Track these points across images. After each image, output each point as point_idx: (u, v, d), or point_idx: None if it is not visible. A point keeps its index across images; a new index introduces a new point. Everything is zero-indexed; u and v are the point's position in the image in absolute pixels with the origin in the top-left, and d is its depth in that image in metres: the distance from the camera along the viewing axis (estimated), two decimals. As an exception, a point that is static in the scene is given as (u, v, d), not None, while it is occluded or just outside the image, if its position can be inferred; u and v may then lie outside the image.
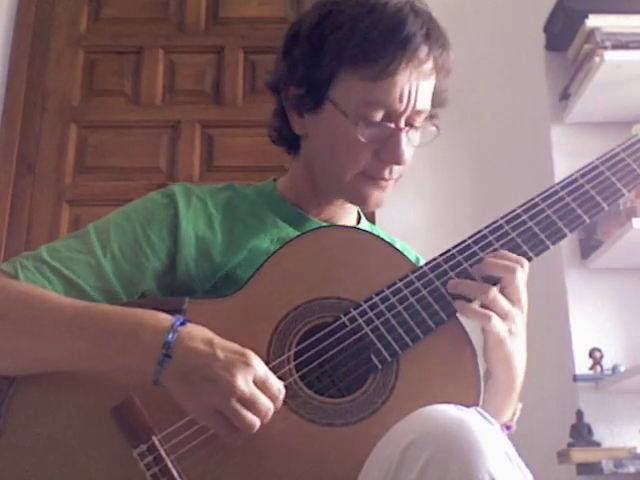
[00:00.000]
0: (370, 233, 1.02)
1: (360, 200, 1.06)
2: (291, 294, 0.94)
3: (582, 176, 1.02)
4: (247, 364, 0.83)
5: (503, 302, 0.92)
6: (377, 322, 0.93)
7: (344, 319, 0.93)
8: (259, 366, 0.84)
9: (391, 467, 0.74)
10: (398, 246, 1.08)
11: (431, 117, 1.06)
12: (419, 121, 1.02)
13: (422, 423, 0.76)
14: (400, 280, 0.95)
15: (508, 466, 0.71)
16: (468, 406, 0.80)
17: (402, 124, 1.00)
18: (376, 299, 0.94)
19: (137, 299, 0.99)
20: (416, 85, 0.99)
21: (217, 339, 0.86)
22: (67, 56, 2.61)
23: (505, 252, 0.95)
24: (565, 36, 2.22)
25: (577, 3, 2.16)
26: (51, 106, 2.54)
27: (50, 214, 2.42)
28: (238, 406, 0.81)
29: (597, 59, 2.02)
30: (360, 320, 0.93)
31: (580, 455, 1.88)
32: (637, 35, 2.06)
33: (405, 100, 0.98)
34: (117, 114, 2.56)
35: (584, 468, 1.87)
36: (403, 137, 0.99)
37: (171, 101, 2.59)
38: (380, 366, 0.91)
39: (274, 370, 0.89)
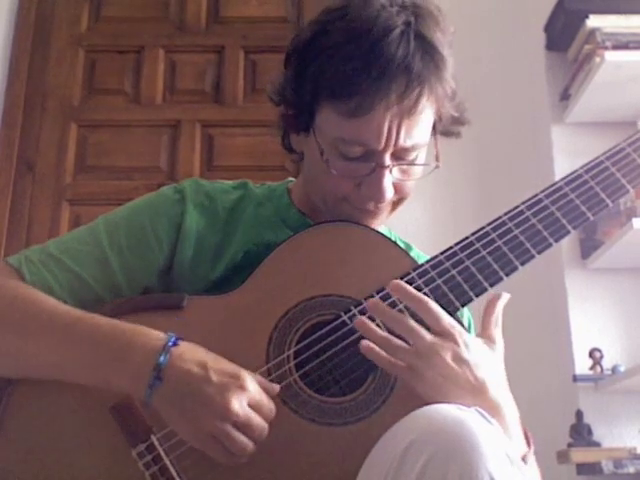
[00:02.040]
0: (371, 230, 1.00)
1: None
2: (291, 291, 0.94)
3: (587, 172, 1.01)
4: (242, 388, 0.82)
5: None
6: (377, 320, 0.92)
7: (344, 317, 0.93)
8: (253, 388, 0.83)
9: (391, 467, 0.73)
10: (413, 254, 1.07)
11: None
12: (413, 155, 0.95)
13: (422, 423, 0.76)
14: (401, 278, 0.94)
15: (508, 466, 0.71)
16: (468, 406, 0.80)
17: (386, 161, 0.92)
18: (377, 297, 0.93)
19: (138, 295, 0.98)
20: (398, 121, 0.90)
21: (211, 360, 0.84)
22: (67, 55, 2.61)
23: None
24: (565, 36, 2.22)
25: (577, 3, 2.16)
26: (51, 105, 2.54)
27: (50, 213, 2.42)
28: (233, 431, 0.81)
29: (597, 59, 2.02)
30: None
31: (580, 455, 1.88)
32: (637, 35, 2.06)
33: (384, 138, 0.90)
34: (117, 113, 2.56)
35: (584, 468, 1.87)
36: (385, 175, 0.92)
37: (171, 100, 2.59)
38: (380, 365, 0.91)
39: (274, 369, 0.89)
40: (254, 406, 0.83)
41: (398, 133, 0.91)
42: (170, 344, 0.84)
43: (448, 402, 0.79)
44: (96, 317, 0.90)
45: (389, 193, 0.94)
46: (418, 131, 0.93)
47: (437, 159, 0.99)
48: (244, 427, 0.81)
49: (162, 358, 0.83)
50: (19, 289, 0.93)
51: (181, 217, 1.01)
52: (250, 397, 0.82)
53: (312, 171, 1.01)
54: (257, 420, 0.82)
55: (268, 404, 0.84)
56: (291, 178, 1.15)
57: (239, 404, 0.81)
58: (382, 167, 0.92)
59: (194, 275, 1.00)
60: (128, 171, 2.49)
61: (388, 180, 0.93)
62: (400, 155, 0.94)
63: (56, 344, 0.88)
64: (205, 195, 1.04)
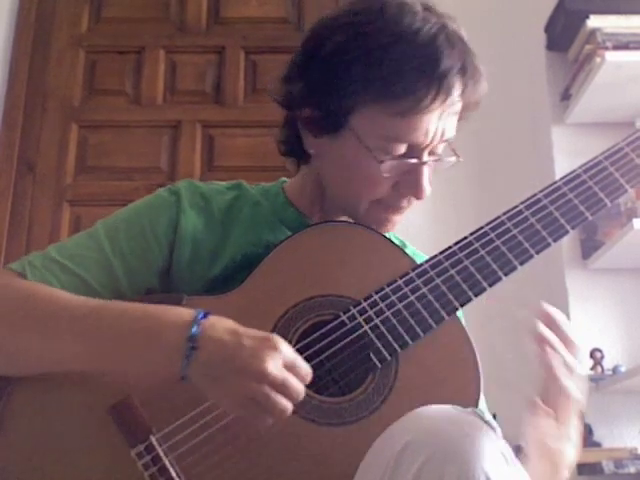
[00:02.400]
0: (371, 230, 1.00)
1: (378, 226, 1.01)
2: (290, 291, 0.94)
3: (585, 172, 1.01)
4: (275, 348, 0.82)
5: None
6: (377, 320, 0.92)
7: (343, 317, 0.93)
8: (286, 349, 0.83)
9: (388, 468, 0.73)
10: (408, 251, 1.06)
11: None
12: (441, 148, 0.98)
13: (419, 424, 0.76)
14: (400, 278, 0.95)
15: (505, 467, 0.71)
16: (467, 405, 0.80)
17: (425, 157, 0.95)
18: (376, 297, 0.93)
19: (138, 296, 0.98)
20: (445, 120, 0.94)
21: (241, 328, 0.84)
22: (68, 56, 2.61)
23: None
24: (566, 36, 2.22)
25: (578, 4, 2.16)
26: (52, 106, 2.54)
27: (51, 214, 2.42)
28: (272, 392, 0.81)
29: (598, 59, 2.02)
30: (359, 318, 0.93)
31: (580, 455, 1.87)
32: (638, 35, 2.05)
33: (431, 135, 0.93)
34: (118, 114, 2.56)
35: (584, 468, 1.87)
36: (425, 172, 0.95)
37: (172, 101, 2.60)
38: (379, 365, 0.91)
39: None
40: (289, 367, 0.82)
41: (444, 130, 0.95)
42: (200, 317, 0.85)
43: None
44: (116, 302, 0.91)
45: (429, 188, 0.96)
46: (452, 126, 0.97)
47: (456, 153, 1.01)
48: (282, 387, 0.81)
49: (195, 329, 0.83)
50: (32, 286, 0.93)
51: (177, 218, 1.01)
52: (284, 358, 0.82)
53: (344, 174, 0.99)
54: (293, 381, 0.82)
55: (303, 365, 0.84)
56: (284, 178, 1.14)
57: (274, 365, 0.81)
58: (422, 163, 0.95)
59: (192, 275, 1.00)
60: (129, 172, 2.49)
61: (427, 176, 0.96)
62: (433, 150, 0.97)
63: (82, 335, 0.87)
64: (200, 196, 1.04)
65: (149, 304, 0.89)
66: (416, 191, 0.96)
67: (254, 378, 0.80)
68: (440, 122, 0.93)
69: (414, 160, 0.95)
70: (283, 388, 0.81)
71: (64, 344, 0.88)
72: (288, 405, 0.81)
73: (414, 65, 0.90)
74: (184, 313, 0.86)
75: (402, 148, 0.94)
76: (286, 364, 0.82)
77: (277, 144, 1.08)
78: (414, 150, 0.95)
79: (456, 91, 0.93)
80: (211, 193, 1.06)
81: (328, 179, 1.03)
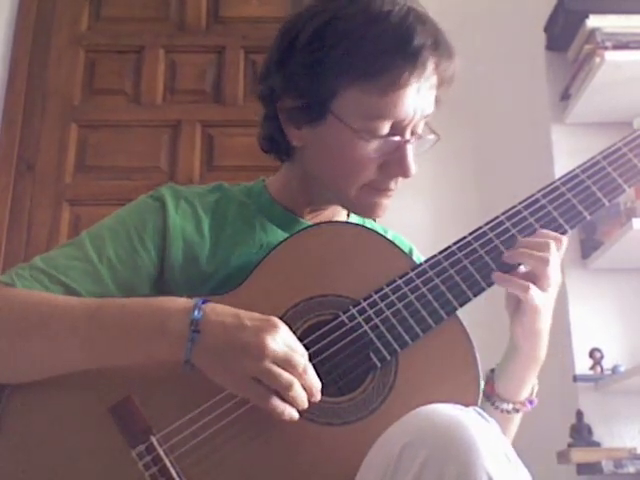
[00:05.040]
0: (370, 230, 1.01)
1: (369, 211, 1.03)
2: (290, 292, 0.94)
3: (583, 171, 1.01)
4: (275, 326, 0.83)
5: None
6: (376, 320, 0.92)
7: (343, 317, 0.93)
8: (285, 329, 0.85)
9: (388, 467, 0.73)
10: (390, 236, 1.10)
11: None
12: (421, 127, 1.01)
13: (419, 423, 0.76)
14: (400, 278, 0.95)
15: (506, 466, 0.71)
16: (467, 405, 0.80)
17: (408, 135, 0.98)
18: (375, 297, 0.94)
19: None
20: (423, 95, 0.97)
21: (242, 311, 0.86)
22: (68, 55, 2.61)
23: (537, 237, 0.96)
24: (566, 36, 2.22)
25: (578, 3, 2.16)
26: (51, 105, 2.54)
27: (50, 214, 2.42)
28: (274, 367, 0.81)
29: (597, 59, 2.02)
30: (359, 318, 0.93)
31: (580, 455, 1.87)
32: (637, 35, 2.05)
33: (412, 111, 0.96)
34: (118, 113, 2.56)
35: (584, 468, 1.87)
36: (409, 149, 0.98)
37: (172, 101, 2.60)
38: (379, 365, 0.91)
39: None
40: (289, 345, 0.84)
41: (422, 106, 0.97)
42: (201, 302, 0.86)
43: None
44: (114, 299, 0.92)
45: (414, 166, 0.98)
46: (430, 102, 1.00)
47: (435, 132, 1.03)
48: (284, 363, 0.82)
49: (196, 313, 0.84)
50: (23, 293, 0.92)
51: (164, 223, 1.01)
52: (284, 336, 0.84)
53: (332, 162, 1.00)
54: (297, 356, 0.83)
55: (300, 346, 0.85)
56: (263, 177, 1.14)
57: (274, 341, 0.82)
58: (406, 142, 0.97)
59: (188, 279, 1.00)
60: (128, 171, 2.49)
61: (411, 154, 0.98)
62: (414, 130, 0.99)
63: (85, 334, 0.87)
64: (184, 200, 1.05)
65: (147, 297, 0.90)
66: (402, 169, 0.98)
67: (255, 355, 0.81)
68: (419, 97, 0.96)
69: (397, 138, 0.97)
70: (286, 363, 0.82)
71: (68, 345, 0.88)
72: (292, 380, 0.82)
73: (389, 44, 0.93)
74: (184, 301, 0.87)
75: (385, 127, 0.96)
76: (286, 342, 0.84)
77: (259, 142, 1.09)
78: (397, 128, 0.97)
79: (430, 65, 0.95)
80: (194, 196, 1.06)
81: (316, 170, 1.04)
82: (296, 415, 0.84)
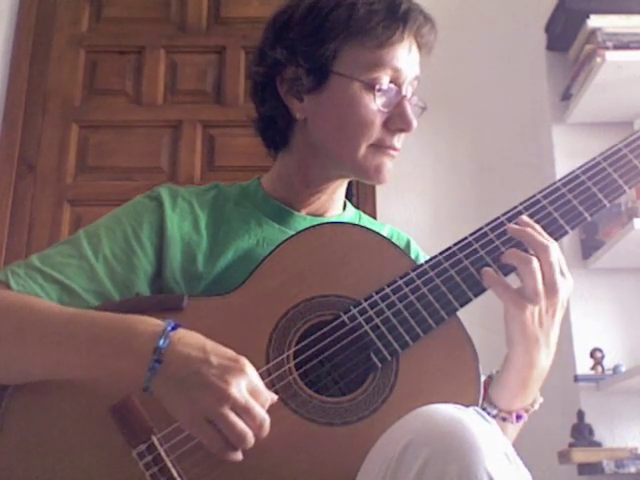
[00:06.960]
0: (370, 230, 1.01)
1: (375, 173, 1.04)
2: (291, 292, 0.94)
3: (584, 172, 1.01)
4: (242, 371, 0.81)
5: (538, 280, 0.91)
6: (377, 320, 0.92)
7: (344, 317, 0.93)
8: (252, 373, 0.82)
9: (389, 467, 0.73)
10: (386, 230, 1.12)
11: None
12: (412, 91, 1.06)
13: (420, 423, 0.76)
14: (400, 278, 0.95)
15: (506, 466, 0.71)
16: (467, 405, 0.80)
17: (405, 91, 1.03)
18: (376, 297, 0.94)
19: (139, 296, 0.98)
20: (413, 56, 1.04)
21: (210, 345, 0.83)
22: (68, 56, 2.61)
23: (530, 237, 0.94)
24: (566, 36, 2.22)
25: (578, 3, 2.16)
26: (52, 106, 2.54)
27: (51, 214, 2.42)
28: (231, 414, 0.79)
29: (598, 59, 2.03)
30: (360, 318, 0.93)
31: (581, 455, 1.88)
32: (638, 35, 2.06)
33: (408, 65, 1.03)
34: (118, 114, 2.56)
35: (585, 468, 1.87)
36: (408, 104, 1.03)
37: (172, 101, 2.60)
38: (380, 365, 0.91)
39: (273, 369, 0.89)
40: (253, 392, 0.81)
41: (413, 64, 1.05)
42: (169, 329, 0.84)
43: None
44: (91, 312, 0.91)
45: (415, 121, 1.04)
46: (418, 64, 1.07)
47: (422, 101, 1.10)
48: (243, 412, 0.80)
49: (162, 342, 0.82)
50: (10, 297, 0.92)
51: (161, 223, 1.02)
52: (250, 382, 0.81)
53: (339, 122, 1.03)
54: (257, 409, 0.80)
55: (267, 393, 0.83)
56: (258, 176, 1.16)
57: (238, 386, 0.79)
58: (405, 98, 1.04)
59: (188, 277, 1.00)
60: (129, 172, 2.49)
61: (410, 109, 1.04)
62: (411, 87, 1.06)
63: (56, 344, 0.87)
64: (182, 198, 1.06)
65: (122, 314, 0.88)
66: (405, 122, 1.03)
67: (215, 397, 0.79)
68: (410, 57, 1.04)
69: (397, 90, 1.03)
70: (245, 413, 0.80)
71: (36, 354, 0.88)
72: (247, 432, 0.80)
73: (382, 6, 1.02)
74: (154, 324, 0.85)
75: (386, 79, 1.02)
76: (250, 389, 0.81)
77: (255, 128, 1.14)
78: (396, 82, 1.03)
79: (418, 26, 1.04)
80: (191, 195, 1.07)
81: (321, 138, 1.05)
82: (240, 458, 0.82)
